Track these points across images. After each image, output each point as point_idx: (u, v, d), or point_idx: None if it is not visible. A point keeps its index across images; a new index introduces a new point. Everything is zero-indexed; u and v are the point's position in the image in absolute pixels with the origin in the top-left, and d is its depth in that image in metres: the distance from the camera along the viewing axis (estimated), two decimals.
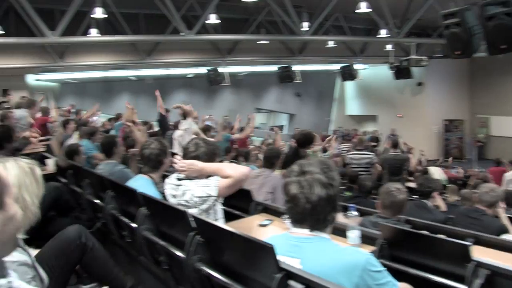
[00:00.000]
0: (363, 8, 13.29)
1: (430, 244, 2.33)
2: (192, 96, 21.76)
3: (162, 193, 4.45)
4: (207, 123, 16.60)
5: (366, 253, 1.85)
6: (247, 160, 8.21)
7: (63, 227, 3.42)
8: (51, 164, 5.68)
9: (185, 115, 7.85)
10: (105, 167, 4.77)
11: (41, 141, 7.93)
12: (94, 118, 12.56)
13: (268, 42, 17.69)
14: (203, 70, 18.54)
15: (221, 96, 22.35)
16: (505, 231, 4.05)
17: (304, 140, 6.14)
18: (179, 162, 2.97)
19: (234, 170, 2.91)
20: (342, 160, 10.31)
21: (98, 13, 12.25)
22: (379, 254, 2.40)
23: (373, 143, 14.04)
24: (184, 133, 7.52)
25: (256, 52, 18.30)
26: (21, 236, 1.28)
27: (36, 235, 3.49)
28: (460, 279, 2.07)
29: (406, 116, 21.07)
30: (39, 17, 11.77)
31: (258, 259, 1.82)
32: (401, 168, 8.30)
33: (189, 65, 19.03)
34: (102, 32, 14.19)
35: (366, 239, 2.73)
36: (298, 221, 1.87)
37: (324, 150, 8.60)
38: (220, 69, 17.72)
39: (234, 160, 8.36)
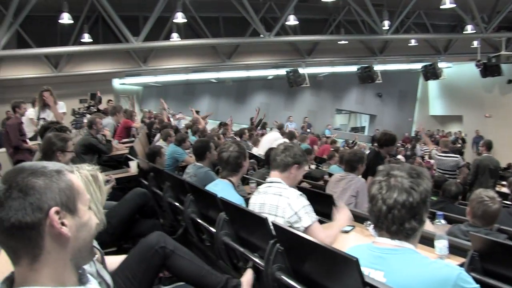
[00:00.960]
0: (448, 3, 12.66)
1: None
2: (271, 97, 21.87)
3: (244, 196, 4.52)
4: (288, 124, 16.70)
5: (457, 267, 1.71)
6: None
7: (146, 228, 3.66)
8: (133, 166, 5.90)
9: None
10: (192, 168, 4.88)
11: (124, 143, 8.29)
12: (178, 121, 12.99)
13: (347, 42, 17.42)
14: (283, 71, 18.63)
15: (301, 98, 22.20)
16: None
17: (385, 141, 5.97)
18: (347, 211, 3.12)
19: (332, 238, 2.91)
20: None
21: (179, 17, 12.62)
22: (469, 267, 2.27)
23: (458, 145, 13.49)
24: None
25: (336, 53, 18.08)
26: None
27: (121, 236, 3.69)
28: None
29: (495, 116, 20.01)
30: (124, 24, 12.33)
31: (341, 271, 1.74)
32: (496, 171, 7.85)
33: (269, 66, 19.13)
34: (183, 36, 14.68)
35: (455, 250, 2.59)
36: (376, 224, 1.79)
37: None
38: (300, 70, 17.67)
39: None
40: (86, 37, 13.53)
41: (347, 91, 23.21)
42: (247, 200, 4.48)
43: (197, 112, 13.79)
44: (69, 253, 1.15)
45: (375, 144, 7.38)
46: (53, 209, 1.10)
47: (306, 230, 2.82)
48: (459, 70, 21.06)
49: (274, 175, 3.11)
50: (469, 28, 15.90)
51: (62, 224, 1.11)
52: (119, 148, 7.82)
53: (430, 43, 18.83)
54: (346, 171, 5.19)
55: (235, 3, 12.91)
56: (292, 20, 13.67)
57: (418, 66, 20.09)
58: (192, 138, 8.53)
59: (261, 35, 13.85)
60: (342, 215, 3.13)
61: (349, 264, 1.61)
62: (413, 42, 18.12)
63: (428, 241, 2.62)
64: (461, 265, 2.22)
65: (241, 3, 12.81)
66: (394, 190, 1.71)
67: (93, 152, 6.48)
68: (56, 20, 12.52)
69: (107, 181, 5.11)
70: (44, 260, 1.11)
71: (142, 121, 12.99)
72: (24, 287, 1.11)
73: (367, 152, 7.40)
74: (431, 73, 19.09)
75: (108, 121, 8.48)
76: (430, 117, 23.86)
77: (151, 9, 12.39)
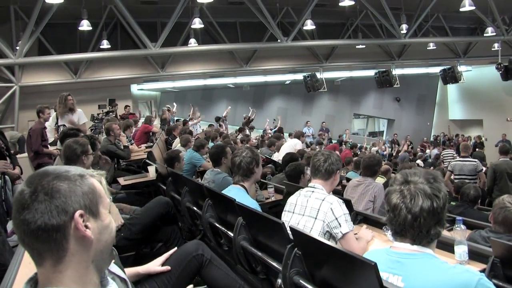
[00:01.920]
0: (467, 6, 12.49)
1: None
2: (289, 102, 21.86)
3: (261, 201, 4.51)
4: (306, 129, 16.71)
5: (478, 273, 1.68)
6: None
7: (165, 234, 3.90)
8: (152, 171, 5.95)
9: None
10: (210, 174, 4.94)
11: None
12: (195, 126, 13.10)
13: (365, 46, 17.36)
14: (300, 76, 18.64)
15: (319, 102, 22.15)
16: None
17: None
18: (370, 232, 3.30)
19: (364, 250, 2.96)
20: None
21: (197, 23, 12.69)
22: (490, 273, 2.22)
23: (478, 149, 13.32)
24: None
25: (354, 57, 18.07)
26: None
27: (143, 241, 3.78)
28: None
29: None
30: (142, 30, 12.45)
31: (359, 276, 1.72)
32: None
33: (286, 71, 19.13)
34: (201, 41, 14.78)
35: (476, 256, 2.56)
36: (399, 233, 1.78)
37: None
38: (318, 75, 17.66)
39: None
40: (105, 44, 13.69)
41: (365, 95, 23.15)
42: (264, 205, 4.54)
43: (218, 119, 14.16)
44: (92, 255, 1.18)
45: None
46: (78, 212, 1.13)
47: (343, 236, 2.96)
48: (479, 73, 20.86)
49: (317, 182, 3.28)
50: (490, 31, 15.71)
51: (86, 227, 1.15)
52: (136, 150, 7.93)
53: (449, 46, 18.67)
54: (365, 176, 5.17)
55: (252, 8, 12.95)
56: (309, 25, 13.64)
57: (436, 69, 19.95)
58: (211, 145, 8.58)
59: (279, 40, 13.86)
60: (365, 231, 3.32)
61: (367, 268, 1.60)
62: (431, 46, 17.98)
63: (448, 246, 2.62)
64: (482, 271, 2.18)
65: (258, 8, 12.83)
66: (418, 198, 1.70)
67: (112, 158, 6.58)
68: (75, 27, 12.72)
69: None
70: (68, 262, 1.14)
71: (162, 121, 13.17)
72: (48, 287, 1.14)
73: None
74: (450, 76, 18.91)
75: None
76: (449, 121, 23.70)
77: (168, 15, 12.50)
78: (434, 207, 1.69)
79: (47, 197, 1.11)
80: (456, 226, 2.95)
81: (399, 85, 18.28)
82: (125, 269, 1.81)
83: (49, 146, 6.96)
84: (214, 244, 3.54)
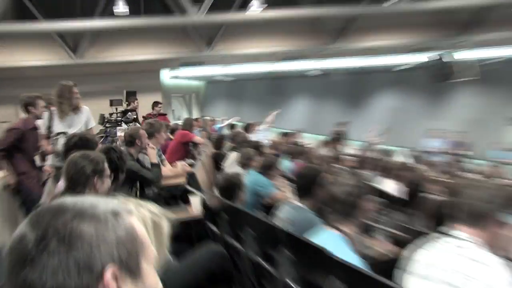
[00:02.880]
0: None
1: None
2: (404, 98, 21.62)
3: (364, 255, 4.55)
4: (432, 142, 16.17)
5: None
6: None
7: None
8: (195, 203, 6.00)
9: None
10: (286, 210, 4.93)
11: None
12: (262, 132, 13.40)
13: None
14: (423, 58, 18.22)
15: (453, 99, 21.61)
16: None
17: None
18: None
19: None
20: None
21: None
22: None
23: None
24: None
25: None
26: None
27: None
28: None
29: None
30: None
31: None
32: None
33: (399, 50, 18.74)
34: (268, 5, 14.41)
35: None
36: None
37: None
38: (451, 57, 17.08)
39: None
40: (121, 6, 13.69)
41: None
42: (374, 264, 4.37)
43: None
44: None
45: None
46: (110, 271, 1.14)
47: None
48: None
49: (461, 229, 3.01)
50: None
51: None
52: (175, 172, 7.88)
53: None
54: None
55: None
56: None
57: None
58: (287, 165, 8.67)
59: (388, 1, 13.44)
60: None
61: None
62: None
63: None
64: None
65: None
66: None
67: (133, 181, 6.41)
68: None
69: None
70: None
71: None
72: None
73: None
74: None
75: None
76: None
77: None
78: None
79: (62, 246, 1.11)
80: None
81: None
82: None
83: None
84: None
